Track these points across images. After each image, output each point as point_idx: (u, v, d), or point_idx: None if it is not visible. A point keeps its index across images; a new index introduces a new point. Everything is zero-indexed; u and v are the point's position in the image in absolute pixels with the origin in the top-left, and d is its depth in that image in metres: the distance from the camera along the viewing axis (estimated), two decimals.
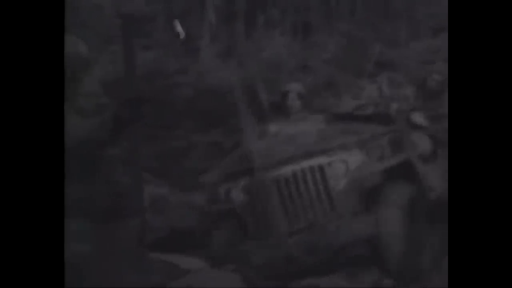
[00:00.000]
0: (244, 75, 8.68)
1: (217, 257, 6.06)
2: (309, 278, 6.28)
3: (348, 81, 8.85)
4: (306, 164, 6.53)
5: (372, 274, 6.48)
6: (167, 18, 10.11)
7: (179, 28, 7.15)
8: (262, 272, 6.08)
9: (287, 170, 6.52)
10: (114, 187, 4.52)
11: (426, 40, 10.47)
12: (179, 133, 8.15)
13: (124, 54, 4.39)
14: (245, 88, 7.86)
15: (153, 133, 7.13)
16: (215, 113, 7.81)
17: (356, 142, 6.65)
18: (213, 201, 6.77)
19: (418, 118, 7.05)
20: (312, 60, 9.80)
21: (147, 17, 9.31)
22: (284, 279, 6.26)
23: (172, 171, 7.08)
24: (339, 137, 6.74)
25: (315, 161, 6.53)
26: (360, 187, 6.54)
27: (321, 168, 6.49)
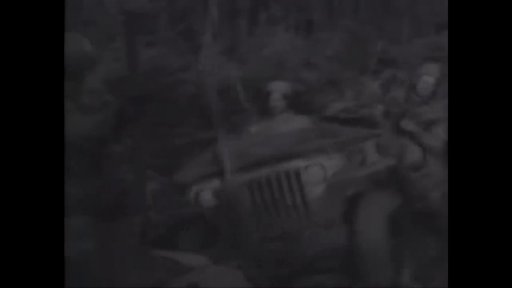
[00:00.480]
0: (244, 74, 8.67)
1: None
2: (316, 276, 6.06)
3: (351, 78, 8.85)
4: (281, 167, 6.10)
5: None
6: (170, 15, 10.13)
7: None
8: None
9: (260, 173, 6.09)
10: (117, 184, 4.52)
11: (429, 37, 10.46)
12: (182, 131, 8.12)
13: (127, 51, 4.39)
14: (225, 88, 7.70)
15: (156, 131, 7.11)
16: (218, 110, 7.77)
17: (335, 144, 6.20)
18: (182, 203, 6.36)
19: (410, 125, 6.74)
20: (315, 57, 9.77)
21: (150, 14, 9.31)
22: (289, 277, 6.06)
23: (176, 168, 6.99)
24: (318, 139, 6.31)
25: (291, 165, 6.10)
26: (339, 194, 6.08)
27: (297, 172, 6.06)
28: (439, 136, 6.54)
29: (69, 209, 4.20)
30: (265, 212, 6.04)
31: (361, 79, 8.54)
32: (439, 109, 6.84)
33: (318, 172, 6.08)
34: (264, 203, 6.06)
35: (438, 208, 6.37)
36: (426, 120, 6.84)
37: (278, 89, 7.00)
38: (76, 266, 4.16)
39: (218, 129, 6.23)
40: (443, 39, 8.78)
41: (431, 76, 7.08)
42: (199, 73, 8.53)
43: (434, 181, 6.50)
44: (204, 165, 6.45)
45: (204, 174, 6.27)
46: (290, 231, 5.99)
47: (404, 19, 11.47)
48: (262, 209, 6.05)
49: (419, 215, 6.33)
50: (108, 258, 4.37)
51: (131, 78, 4.34)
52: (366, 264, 5.91)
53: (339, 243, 5.98)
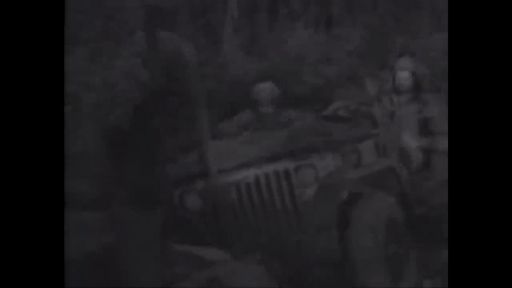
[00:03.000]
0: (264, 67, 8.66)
1: None
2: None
3: (371, 73, 8.83)
4: (270, 168, 5.67)
5: None
6: (190, 9, 10.14)
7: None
8: None
9: (248, 174, 5.65)
10: (138, 179, 4.54)
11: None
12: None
13: (147, 45, 4.40)
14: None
15: (176, 124, 7.12)
16: (238, 104, 7.77)
17: (328, 144, 5.76)
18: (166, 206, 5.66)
19: (413, 142, 6.52)
20: (335, 52, 9.76)
21: (170, 9, 9.33)
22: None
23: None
24: (310, 138, 5.85)
25: (280, 165, 5.67)
26: (332, 196, 5.64)
27: (287, 173, 5.65)
28: (442, 135, 6.41)
29: (90, 204, 4.23)
30: (253, 216, 5.62)
31: (381, 74, 8.50)
32: (430, 106, 6.75)
33: (309, 173, 5.69)
34: (253, 206, 5.63)
35: (442, 214, 6.21)
36: (421, 119, 6.71)
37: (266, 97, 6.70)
38: (99, 258, 4.18)
39: (202, 126, 5.68)
40: None
41: (404, 70, 6.98)
42: (222, 66, 8.47)
43: (438, 184, 6.31)
44: (188, 165, 5.86)
45: (188, 175, 5.71)
46: (279, 238, 5.54)
47: (424, 13, 11.45)
48: (250, 213, 5.63)
49: (421, 220, 6.02)
50: (129, 252, 4.39)
51: (151, 72, 4.36)
52: (359, 273, 5.50)
53: (330, 250, 5.54)
